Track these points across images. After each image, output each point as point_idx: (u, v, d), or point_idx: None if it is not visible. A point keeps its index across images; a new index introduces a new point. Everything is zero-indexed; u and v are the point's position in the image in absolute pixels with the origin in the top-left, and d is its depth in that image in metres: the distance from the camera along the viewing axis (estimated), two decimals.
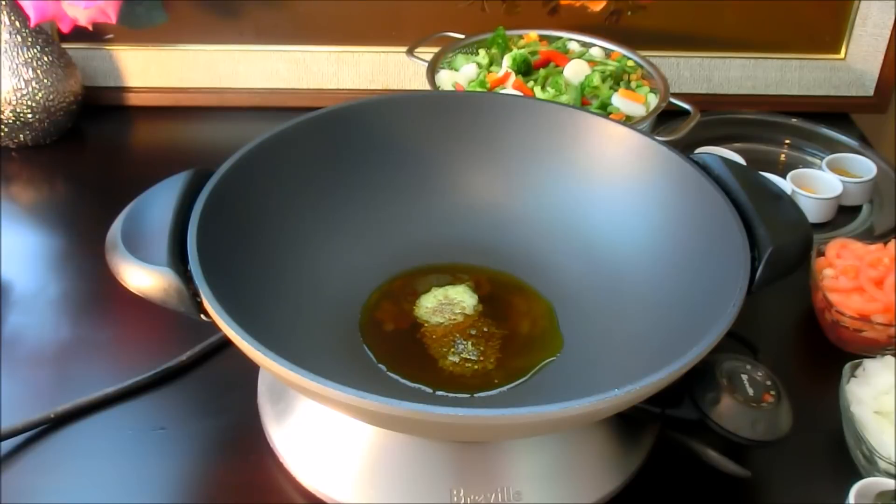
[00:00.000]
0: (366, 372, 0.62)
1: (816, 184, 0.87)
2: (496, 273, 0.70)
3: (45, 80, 0.92)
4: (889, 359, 0.64)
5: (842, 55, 1.03)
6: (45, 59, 0.92)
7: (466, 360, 0.63)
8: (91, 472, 0.61)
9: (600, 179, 0.70)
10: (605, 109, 0.85)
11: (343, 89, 1.03)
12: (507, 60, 0.90)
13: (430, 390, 0.61)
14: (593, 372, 0.61)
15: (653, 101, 0.86)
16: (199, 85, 1.03)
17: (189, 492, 0.60)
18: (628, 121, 0.83)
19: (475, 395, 0.61)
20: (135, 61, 1.01)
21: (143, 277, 0.53)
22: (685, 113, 0.86)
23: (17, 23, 0.90)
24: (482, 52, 0.94)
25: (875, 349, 0.69)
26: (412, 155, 0.72)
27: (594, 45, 0.94)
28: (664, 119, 0.87)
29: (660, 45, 1.01)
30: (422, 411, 0.46)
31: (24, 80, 0.91)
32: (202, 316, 0.53)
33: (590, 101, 0.86)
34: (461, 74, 0.90)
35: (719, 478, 0.59)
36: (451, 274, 0.70)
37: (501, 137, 0.72)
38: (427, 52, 0.92)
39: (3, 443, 0.61)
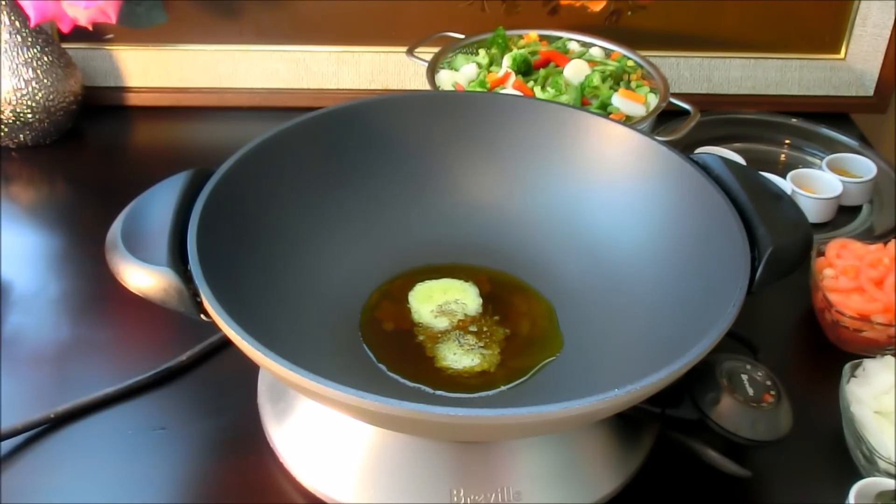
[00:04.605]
0: (366, 372, 0.62)
1: (816, 184, 0.87)
2: (496, 273, 0.70)
3: (45, 80, 0.92)
4: (889, 359, 0.64)
5: (842, 55, 1.03)
6: (45, 59, 0.92)
7: (466, 359, 0.63)
8: (91, 472, 0.61)
9: (600, 179, 0.70)
10: (605, 109, 0.85)
11: (343, 89, 1.03)
12: (507, 60, 0.90)
13: (430, 390, 0.61)
14: (593, 372, 0.61)
15: (653, 101, 0.86)
16: (199, 85, 1.03)
17: (189, 492, 0.60)
18: (628, 121, 0.83)
19: (475, 395, 0.61)
20: (135, 61, 1.01)
21: (143, 277, 0.53)
22: (685, 113, 0.86)
23: (17, 23, 0.90)
24: (482, 52, 0.94)
25: (875, 349, 0.69)
26: (412, 155, 0.72)
27: (594, 45, 0.94)
28: (664, 119, 0.87)
29: (660, 45, 1.01)
30: (422, 411, 0.46)
31: (24, 80, 0.91)
32: (202, 316, 0.53)
33: (590, 101, 0.86)
34: (461, 74, 0.90)
35: (719, 478, 0.59)
36: (451, 274, 0.70)
37: (501, 137, 0.72)
38: (427, 52, 0.92)
39: (3, 443, 0.61)
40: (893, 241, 0.75)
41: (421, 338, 0.65)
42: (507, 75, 0.88)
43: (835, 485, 0.59)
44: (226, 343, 0.68)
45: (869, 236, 0.83)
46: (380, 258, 0.70)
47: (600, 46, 0.94)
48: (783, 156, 0.97)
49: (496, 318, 0.67)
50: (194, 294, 0.53)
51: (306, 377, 0.47)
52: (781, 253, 0.58)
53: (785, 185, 0.85)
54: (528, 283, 0.69)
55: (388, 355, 0.63)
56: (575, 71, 0.88)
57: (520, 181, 0.72)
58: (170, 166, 0.63)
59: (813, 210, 0.84)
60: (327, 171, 0.69)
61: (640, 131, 0.69)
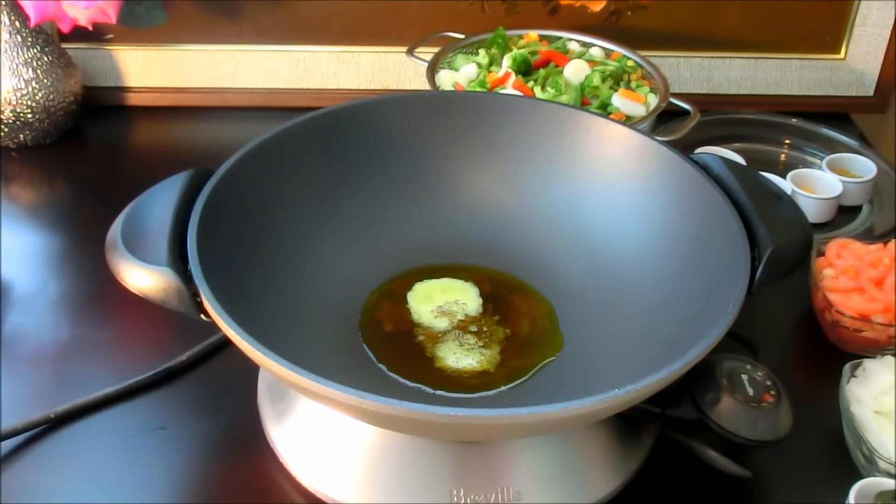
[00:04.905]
0: (366, 372, 0.62)
1: (816, 184, 0.87)
2: (496, 273, 0.70)
3: (45, 80, 0.92)
4: (889, 359, 0.64)
5: (842, 55, 1.03)
6: (45, 59, 0.92)
7: (466, 359, 0.63)
8: (91, 472, 0.61)
9: (600, 179, 0.70)
10: (605, 109, 0.85)
11: (343, 89, 1.03)
12: (507, 60, 0.90)
13: (430, 390, 0.61)
14: (593, 372, 0.61)
15: (653, 101, 0.86)
16: (199, 85, 1.03)
17: (189, 492, 0.60)
18: (628, 121, 0.83)
19: (475, 395, 0.61)
20: (135, 61, 1.01)
21: (143, 277, 0.53)
22: (685, 113, 0.86)
23: (17, 23, 0.90)
24: (482, 52, 0.94)
25: (875, 349, 0.69)
26: (412, 155, 0.72)
27: (594, 45, 0.94)
28: (664, 119, 0.87)
29: (660, 45, 1.01)
30: (422, 411, 0.46)
31: (24, 80, 0.91)
32: (202, 316, 0.53)
33: (590, 101, 0.86)
34: (461, 74, 0.90)
35: (719, 478, 0.59)
36: (451, 274, 0.70)
37: (501, 137, 0.72)
38: (427, 52, 0.92)
39: (3, 443, 0.61)
40: (893, 241, 0.75)
41: (421, 338, 0.65)
42: (507, 75, 0.88)
43: (835, 485, 0.59)
44: (226, 343, 0.68)
45: (869, 236, 0.83)
46: (380, 258, 0.70)
47: (600, 46, 0.94)
48: (783, 156, 0.97)
49: (496, 318, 0.67)
50: (194, 294, 0.53)
51: (306, 377, 0.47)
52: (781, 253, 0.58)
53: (785, 185, 0.85)
54: (528, 283, 0.69)
55: (388, 355, 0.63)
56: (575, 71, 0.88)
57: (520, 181, 0.72)
58: (170, 166, 0.63)
59: (813, 210, 0.84)
60: (327, 172, 0.69)
61: (640, 131, 0.69)
